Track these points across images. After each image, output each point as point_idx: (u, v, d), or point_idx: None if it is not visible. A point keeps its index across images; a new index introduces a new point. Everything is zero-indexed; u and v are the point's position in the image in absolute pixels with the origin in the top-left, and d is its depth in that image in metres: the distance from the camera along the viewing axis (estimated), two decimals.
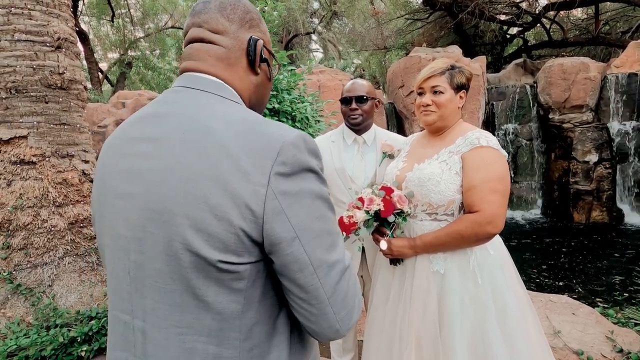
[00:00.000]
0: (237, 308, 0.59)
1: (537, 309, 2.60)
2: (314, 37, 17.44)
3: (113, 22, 12.68)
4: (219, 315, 0.58)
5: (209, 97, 0.65)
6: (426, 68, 1.43)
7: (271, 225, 0.56)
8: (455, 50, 8.02)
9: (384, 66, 14.81)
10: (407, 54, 9.26)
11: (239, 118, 0.61)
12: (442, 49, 8.33)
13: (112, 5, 11.61)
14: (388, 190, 1.35)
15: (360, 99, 1.73)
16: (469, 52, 10.86)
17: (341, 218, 1.38)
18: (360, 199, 1.39)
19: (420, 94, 1.45)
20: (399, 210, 1.34)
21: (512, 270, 1.40)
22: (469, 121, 7.42)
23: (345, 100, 1.76)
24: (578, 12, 12.51)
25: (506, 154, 1.35)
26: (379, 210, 1.32)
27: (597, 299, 3.91)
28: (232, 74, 0.70)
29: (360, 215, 1.35)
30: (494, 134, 7.09)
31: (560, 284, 4.47)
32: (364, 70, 17.82)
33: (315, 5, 14.44)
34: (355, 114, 1.73)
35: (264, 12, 2.91)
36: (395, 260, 1.44)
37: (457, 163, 1.32)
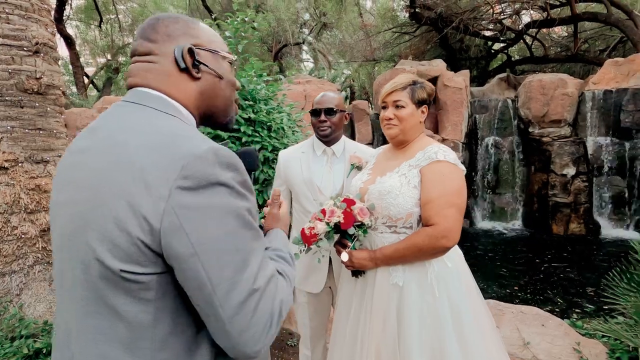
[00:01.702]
0: (148, 318, 0.59)
1: (508, 321, 2.64)
2: (304, 47, 17.61)
3: (101, 27, 12.60)
4: (130, 325, 0.59)
5: (142, 111, 0.68)
6: (389, 83, 1.46)
7: (168, 239, 0.57)
8: (440, 63, 8.20)
9: (373, 77, 15.02)
10: (395, 66, 9.42)
11: (157, 132, 0.62)
12: (427, 62, 8.51)
13: (100, 11, 11.56)
14: (349, 202, 1.37)
15: (329, 111, 1.76)
16: (455, 66, 11.11)
17: (303, 229, 1.40)
18: (323, 211, 1.40)
19: (383, 107, 1.48)
20: (359, 223, 1.36)
21: (470, 283, 1.42)
22: (453, 133, 7.57)
23: (315, 112, 1.78)
24: (559, 30, 12.96)
25: (464, 169, 1.39)
26: (339, 222, 1.34)
27: (570, 310, 3.98)
28: (169, 86, 0.72)
29: (320, 227, 1.36)
30: (477, 146, 7.20)
31: (536, 295, 4.54)
32: (353, 81, 18.03)
33: (306, 16, 14.63)
34: (324, 125, 1.76)
35: (245, 21, 2.94)
36: (357, 272, 1.45)
37: (415, 177, 1.35)
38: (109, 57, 13.83)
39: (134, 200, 0.57)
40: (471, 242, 6.75)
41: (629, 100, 6.61)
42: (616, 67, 7.50)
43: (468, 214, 7.60)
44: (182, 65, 0.72)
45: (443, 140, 7.60)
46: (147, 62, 0.73)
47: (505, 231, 7.24)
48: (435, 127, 8.07)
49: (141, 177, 0.57)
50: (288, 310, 0.70)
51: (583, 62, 11.07)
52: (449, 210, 1.28)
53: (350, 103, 10.88)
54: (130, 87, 0.74)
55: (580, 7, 10.44)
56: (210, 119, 0.80)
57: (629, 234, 6.36)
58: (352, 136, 8.58)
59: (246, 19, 2.96)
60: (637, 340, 2.16)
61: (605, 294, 2.60)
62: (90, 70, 16.08)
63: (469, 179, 7.69)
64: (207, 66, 0.75)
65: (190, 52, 0.73)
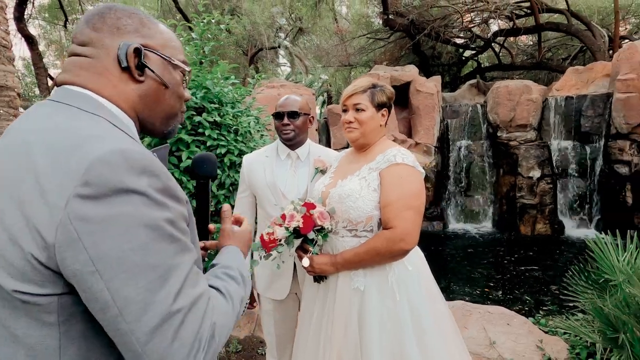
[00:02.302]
0: (53, 344, 0.53)
1: (475, 321, 2.68)
2: (281, 51, 17.58)
3: (66, 27, 12.08)
4: (33, 351, 0.53)
5: (63, 110, 0.61)
6: (350, 86, 1.46)
7: (63, 255, 0.50)
8: (412, 69, 8.37)
9: (349, 82, 15.14)
10: (369, 71, 9.53)
11: (68, 132, 0.55)
12: (401, 68, 8.67)
13: (66, 10, 11.08)
14: (309, 206, 1.35)
15: (293, 115, 1.73)
16: (428, 72, 11.38)
17: (262, 235, 1.36)
18: (282, 216, 1.37)
19: (344, 111, 1.47)
20: (319, 227, 1.33)
21: (432, 286, 1.42)
22: (426, 137, 7.72)
23: (278, 115, 1.75)
24: (525, 39, 13.55)
25: (423, 171, 1.39)
26: (299, 226, 1.31)
27: (535, 309, 4.12)
28: (101, 84, 0.65)
29: (280, 232, 1.32)
30: (449, 150, 7.35)
31: (505, 294, 4.68)
32: (330, 86, 18.13)
33: (282, 21, 14.63)
34: (287, 129, 1.72)
35: (211, 22, 2.88)
36: (319, 277, 1.43)
37: (375, 180, 1.34)
38: None
39: (28, 211, 0.51)
40: (444, 244, 6.87)
41: (588, 106, 6.97)
42: (577, 75, 7.91)
43: (441, 217, 7.75)
44: (124, 64, 0.65)
45: (416, 144, 7.74)
46: (84, 56, 0.66)
47: (477, 232, 7.44)
48: (408, 131, 8.21)
49: (38, 183, 0.51)
50: (227, 335, 0.63)
51: (547, 70, 11.61)
52: (407, 212, 1.28)
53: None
54: (60, 84, 0.66)
55: (544, 18, 10.96)
56: (148, 126, 0.74)
57: (590, 233, 6.67)
58: (328, 140, 8.60)
59: (213, 21, 2.91)
60: (594, 336, 2.24)
61: (566, 291, 2.69)
62: (55, 72, 15.42)
63: (442, 182, 7.86)
64: (153, 72, 0.69)
65: (137, 52, 0.66)
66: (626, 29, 12.00)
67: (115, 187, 0.52)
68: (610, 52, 9.63)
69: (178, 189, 0.61)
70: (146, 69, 0.68)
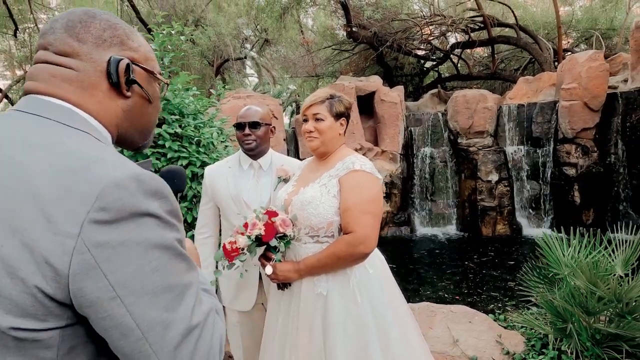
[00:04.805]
0: None
1: (439, 321, 2.78)
2: (247, 62, 17.53)
3: (16, 36, 11.41)
4: None
5: (45, 125, 0.56)
6: (309, 97, 1.51)
7: (79, 284, 0.48)
8: (377, 79, 8.63)
9: None
10: (335, 82, 9.71)
11: (66, 152, 0.52)
12: (365, 78, 8.92)
13: (17, 19, 10.46)
14: (271, 214, 1.37)
15: (254, 125, 1.75)
16: (392, 82, 11.77)
17: (224, 244, 1.36)
18: (245, 224, 1.38)
19: (305, 120, 1.51)
20: (281, 234, 1.35)
21: (393, 288, 1.48)
22: (391, 145, 7.94)
23: (239, 126, 1.77)
24: (481, 51, 14.38)
25: (381, 177, 1.46)
26: (261, 234, 1.32)
27: (495, 305, 4.33)
28: (86, 98, 0.62)
29: (242, 241, 1.33)
30: (413, 157, 7.60)
31: (468, 293, 4.88)
32: (298, 96, 18.28)
33: (247, 32, 14.63)
34: (248, 139, 1.75)
35: (171, 35, 2.86)
36: (283, 284, 1.44)
37: (334, 186, 1.39)
38: (27, 68, 12.51)
39: (30, 238, 0.48)
40: (412, 248, 7.07)
41: (538, 113, 7.49)
42: (527, 84, 8.50)
43: (409, 221, 7.97)
44: (115, 79, 0.63)
45: (382, 152, 7.95)
46: (65, 67, 0.61)
47: (442, 236, 7.71)
48: (374, 139, 8.42)
49: (42, 209, 0.48)
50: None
51: (501, 80, 12.36)
52: (365, 217, 1.33)
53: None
54: (29, 93, 0.61)
55: (496, 31, 11.72)
56: (127, 139, 0.72)
57: (545, 231, 7.10)
58: (296, 150, 8.63)
59: (173, 32, 2.88)
60: (547, 328, 2.39)
61: (522, 287, 2.85)
62: (4, 82, 14.45)
63: (408, 188, 8.10)
64: (141, 87, 0.68)
65: (127, 67, 0.65)
66: (568, 42, 13.08)
67: (131, 211, 0.51)
68: (555, 63, 10.43)
69: (180, 210, 0.62)
70: (135, 85, 0.67)
